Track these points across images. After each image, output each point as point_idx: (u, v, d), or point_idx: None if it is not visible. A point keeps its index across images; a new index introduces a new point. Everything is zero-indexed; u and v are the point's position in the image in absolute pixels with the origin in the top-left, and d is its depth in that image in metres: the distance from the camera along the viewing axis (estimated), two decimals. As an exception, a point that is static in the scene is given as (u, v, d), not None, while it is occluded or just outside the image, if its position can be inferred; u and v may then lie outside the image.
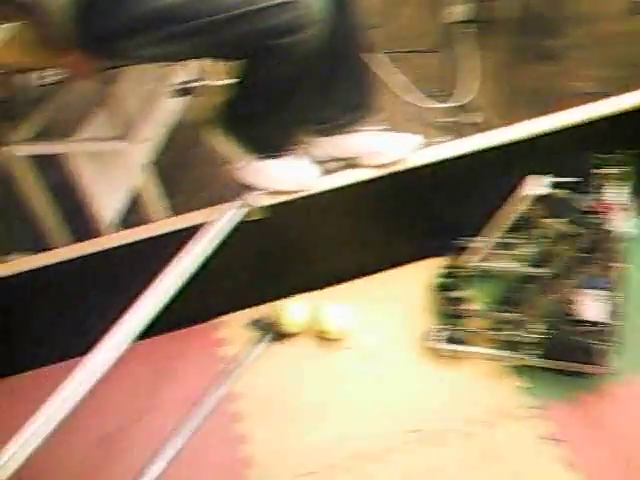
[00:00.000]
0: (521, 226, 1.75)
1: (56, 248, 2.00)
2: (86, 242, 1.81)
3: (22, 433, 1.32)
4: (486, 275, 1.87)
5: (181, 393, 1.79)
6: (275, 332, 1.90)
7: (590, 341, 1.61)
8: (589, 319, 1.61)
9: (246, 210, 1.76)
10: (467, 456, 1.57)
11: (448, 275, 1.90)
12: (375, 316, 1.91)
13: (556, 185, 1.69)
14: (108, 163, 2.06)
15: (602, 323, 1.61)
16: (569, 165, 1.60)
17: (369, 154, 1.78)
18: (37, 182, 1.99)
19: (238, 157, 1.76)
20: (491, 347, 1.74)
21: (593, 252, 1.60)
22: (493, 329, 1.75)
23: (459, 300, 1.82)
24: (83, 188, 1.94)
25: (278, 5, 1.41)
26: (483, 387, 1.69)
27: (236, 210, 1.75)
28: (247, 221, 1.77)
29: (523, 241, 1.80)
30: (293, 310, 1.89)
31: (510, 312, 1.73)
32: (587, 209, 1.65)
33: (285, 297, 1.96)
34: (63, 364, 1.90)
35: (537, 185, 1.68)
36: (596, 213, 1.64)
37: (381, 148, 1.77)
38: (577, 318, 1.62)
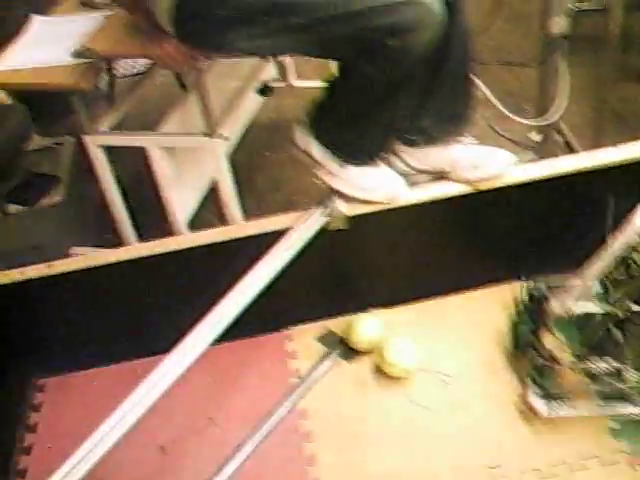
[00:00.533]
0: (623, 262, 1.62)
1: (128, 244, 1.97)
2: (160, 240, 1.74)
3: (92, 438, 1.26)
4: (578, 318, 1.68)
5: (247, 405, 1.71)
6: (344, 349, 1.82)
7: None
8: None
9: (327, 218, 1.68)
10: (550, 499, 1.47)
11: (533, 319, 1.72)
12: (451, 341, 1.81)
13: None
14: (187, 159, 2.01)
15: None
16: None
17: (463, 168, 1.68)
18: (113, 174, 1.95)
19: (324, 162, 1.68)
20: (590, 402, 1.59)
21: None
22: (589, 380, 1.61)
23: (548, 352, 1.65)
24: (160, 183, 1.88)
25: (401, 3, 1.32)
26: (570, 426, 1.58)
27: (317, 217, 1.68)
28: (326, 230, 1.69)
29: (625, 278, 1.65)
30: (363, 327, 1.80)
31: (607, 360, 1.59)
32: None
33: (357, 312, 1.86)
34: (126, 365, 1.85)
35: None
36: None
37: (476, 162, 1.67)
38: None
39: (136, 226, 2.06)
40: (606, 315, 1.60)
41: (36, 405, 1.81)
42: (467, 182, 1.69)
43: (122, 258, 1.71)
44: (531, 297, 1.74)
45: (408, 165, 1.75)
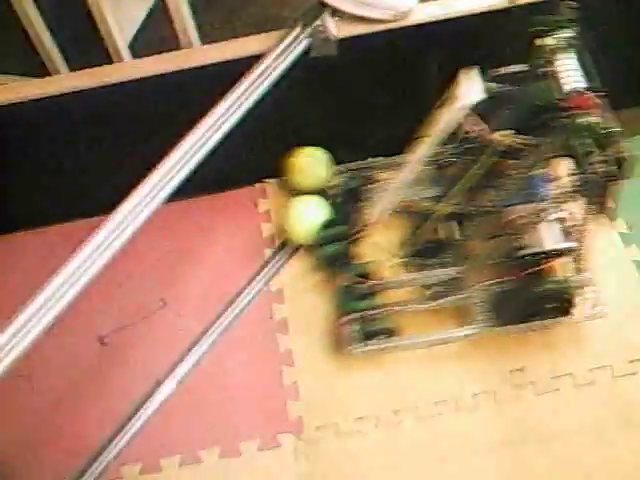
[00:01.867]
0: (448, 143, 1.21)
1: (55, 74, 1.54)
2: (94, 69, 1.33)
3: (16, 321, 0.93)
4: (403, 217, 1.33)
5: (208, 282, 1.37)
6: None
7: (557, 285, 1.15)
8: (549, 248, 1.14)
9: (311, 40, 1.25)
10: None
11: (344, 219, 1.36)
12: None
13: (496, 79, 1.16)
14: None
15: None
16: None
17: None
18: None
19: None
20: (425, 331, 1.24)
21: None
22: (420, 299, 1.25)
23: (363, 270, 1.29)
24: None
25: None
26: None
27: (298, 40, 1.24)
28: (310, 57, 1.27)
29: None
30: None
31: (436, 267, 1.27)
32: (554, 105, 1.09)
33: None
34: (62, 227, 1.50)
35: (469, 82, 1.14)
36: (567, 110, 1.09)
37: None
38: (532, 251, 1.15)
39: (65, 52, 1.60)
40: (436, 212, 1.27)
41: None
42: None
43: (48, 91, 1.31)
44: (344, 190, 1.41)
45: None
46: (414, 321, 1.23)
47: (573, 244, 1.14)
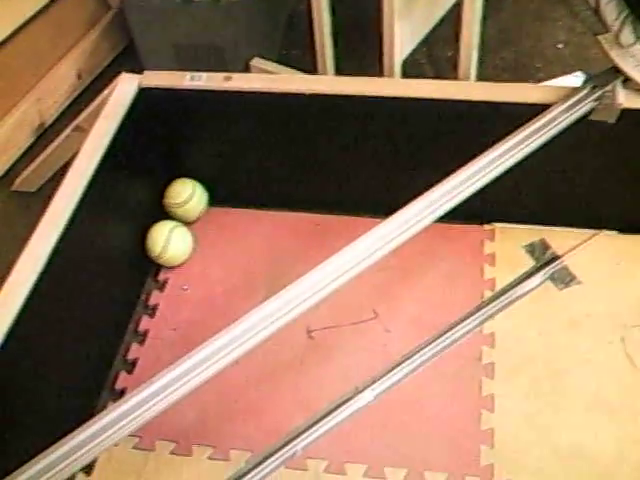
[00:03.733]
0: None
1: (322, 73, 1.62)
2: (368, 79, 1.36)
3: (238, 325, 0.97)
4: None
5: (422, 307, 1.38)
6: (556, 268, 1.43)
7: None
8: None
9: (596, 104, 1.24)
10: None
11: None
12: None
13: None
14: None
15: None
16: None
17: None
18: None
19: (617, 26, 1.20)
20: None
21: None
22: None
23: None
24: (385, 16, 1.46)
25: None
26: None
27: (583, 100, 1.23)
28: (588, 119, 1.24)
29: None
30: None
31: None
32: None
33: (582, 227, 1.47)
34: (293, 215, 1.58)
35: None
36: None
37: None
38: None
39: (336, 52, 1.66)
40: None
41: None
42: None
43: (318, 89, 1.35)
44: None
45: None
46: None
47: None
